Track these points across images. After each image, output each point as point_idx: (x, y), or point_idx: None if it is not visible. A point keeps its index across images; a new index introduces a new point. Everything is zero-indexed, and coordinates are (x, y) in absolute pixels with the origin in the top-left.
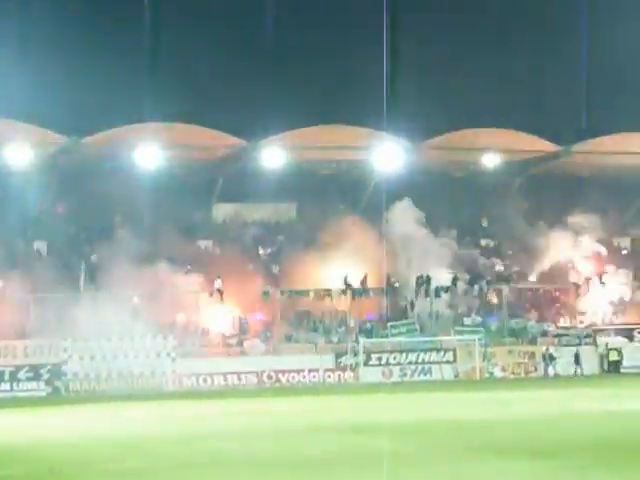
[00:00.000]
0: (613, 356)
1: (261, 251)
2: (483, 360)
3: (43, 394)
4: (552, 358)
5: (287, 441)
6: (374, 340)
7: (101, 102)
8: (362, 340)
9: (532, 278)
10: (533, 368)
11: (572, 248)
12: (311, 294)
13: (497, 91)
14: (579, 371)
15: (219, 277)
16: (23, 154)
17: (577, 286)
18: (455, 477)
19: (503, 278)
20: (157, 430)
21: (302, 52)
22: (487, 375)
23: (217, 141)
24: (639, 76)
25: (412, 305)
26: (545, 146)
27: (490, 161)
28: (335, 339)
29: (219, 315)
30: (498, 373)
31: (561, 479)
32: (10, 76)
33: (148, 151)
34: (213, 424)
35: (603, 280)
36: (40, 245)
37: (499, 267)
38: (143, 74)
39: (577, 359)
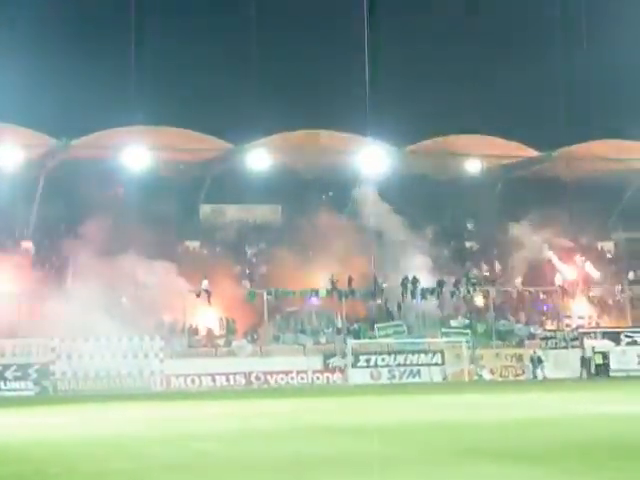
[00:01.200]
0: (600, 359)
1: (248, 252)
2: (471, 363)
3: (31, 393)
4: (540, 361)
5: (275, 443)
6: (362, 341)
7: (89, 105)
8: (350, 341)
9: (518, 281)
10: (521, 371)
11: (556, 252)
12: (298, 295)
13: (479, 97)
14: (585, 374)
15: (206, 278)
16: (12, 156)
17: (563, 289)
18: None
19: (489, 280)
20: (144, 431)
21: (287, 57)
22: (476, 377)
23: (203, 144)
24: (621, 83)
25: (399, 307)
26: (527, 152)
27: (472, 166)
28: (323, 340)
29: (206, 315)
30: (486, 376)
31: None
32: None
33: (136, 153)
34: (201, 425)
35: (589, 283)
36: (27, 245)
37: (485, 270)
38: (131, 77)
39: (583, 362)
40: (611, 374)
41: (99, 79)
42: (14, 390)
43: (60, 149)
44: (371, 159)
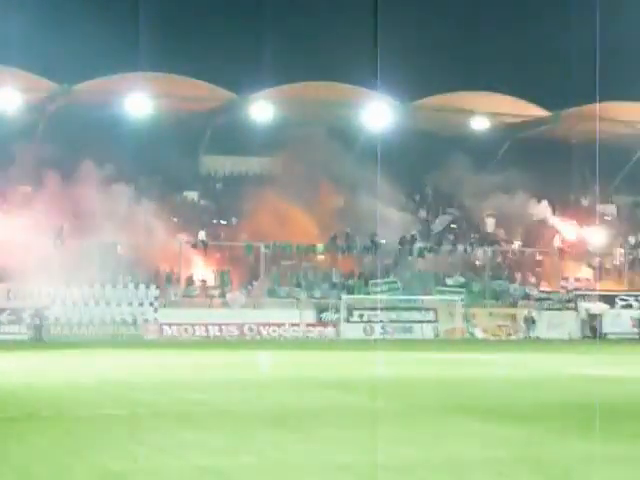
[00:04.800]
0: (593, 321)
1: (246, 204)
2: (464, 321)
3: (24, 338)
4: (533, 321)
5: (265, 393)
6: (356, 297)
7: (92, 51)
8: (344, 297)
9: (517, 241)
10: (513, 330)
11: (557, 213)
12: (295, 249)
13: (489, 55)
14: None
15: (203, 229)
16: (12, 99)
17: (561, 251)
18: (434, 435)
19: (487, 240)
20: (136, 378)
21: (292, 8)
22: (467, 336)
23: (206, 93)
24: (633, 44)
25: (395, 263)
26: (534, 111)
27: (479, 124)
28: (317, 295)
29: (202, 267)
30: (479, 334)
31: (539, 441)
32: (1, 22)
33: (137, 101)
34: (193, 374)
35: (587, 246)
36: (25, 190)
37: (484, 229)
38: (135, 24)
39: (583, 324)
40: (604, 337)
41: (102, 25)
42: (8, 334)
43: (61, 94)
44: (376, 113)
